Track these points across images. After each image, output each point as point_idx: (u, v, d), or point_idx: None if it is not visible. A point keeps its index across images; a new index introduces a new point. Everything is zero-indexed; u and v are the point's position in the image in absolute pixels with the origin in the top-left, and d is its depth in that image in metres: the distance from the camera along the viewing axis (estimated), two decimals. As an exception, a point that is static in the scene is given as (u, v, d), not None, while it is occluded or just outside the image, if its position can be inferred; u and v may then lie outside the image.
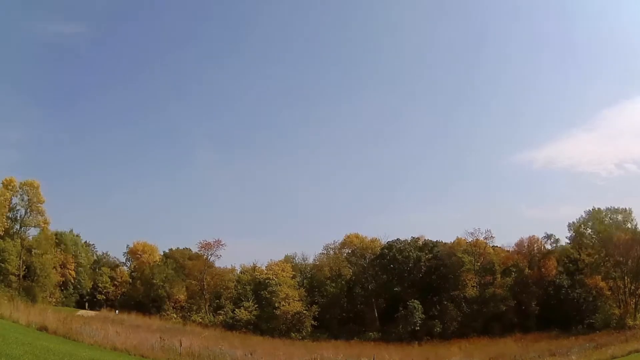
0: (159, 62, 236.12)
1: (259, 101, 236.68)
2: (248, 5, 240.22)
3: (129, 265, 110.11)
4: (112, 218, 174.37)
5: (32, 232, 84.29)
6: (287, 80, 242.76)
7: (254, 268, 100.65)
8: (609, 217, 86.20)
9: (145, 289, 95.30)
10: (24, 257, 78.53)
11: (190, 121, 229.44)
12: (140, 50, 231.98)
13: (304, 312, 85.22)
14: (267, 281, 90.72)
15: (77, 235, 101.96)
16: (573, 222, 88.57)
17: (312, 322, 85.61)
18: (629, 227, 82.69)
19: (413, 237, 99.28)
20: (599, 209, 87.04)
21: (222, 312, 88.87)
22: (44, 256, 79.77)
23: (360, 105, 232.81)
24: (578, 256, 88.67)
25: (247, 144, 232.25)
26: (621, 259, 77.14)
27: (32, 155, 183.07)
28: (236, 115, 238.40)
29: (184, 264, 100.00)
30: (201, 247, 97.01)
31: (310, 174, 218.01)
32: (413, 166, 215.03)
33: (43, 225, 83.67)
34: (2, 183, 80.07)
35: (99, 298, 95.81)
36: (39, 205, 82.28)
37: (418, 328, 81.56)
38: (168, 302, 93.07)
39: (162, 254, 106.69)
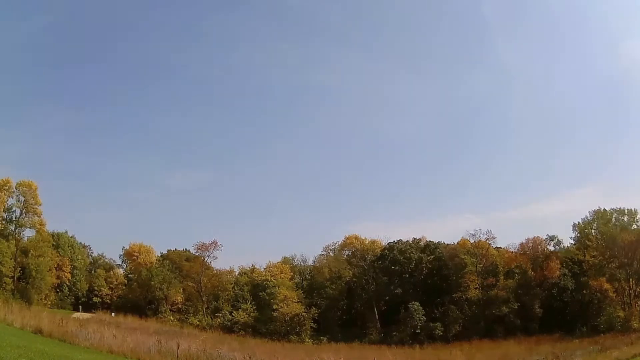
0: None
1: (257, 101, 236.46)
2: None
3: (125, 267, 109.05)
4: (108, 219, 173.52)
5: (28, 233, 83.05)
6: (286, 80, 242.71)
7: (252, 269, 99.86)
8: (615, 218, 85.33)
9: (141, 291, 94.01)
10: (19, 259, 77.19)
11: (189, 122, 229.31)
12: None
13: (303, 314, 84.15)
14: (265, 283, 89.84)
15: (72, 237, 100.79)
16: (578, 223, 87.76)
17: (312, 324, 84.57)
18: (635, 228, 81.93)
19: (414, 239, 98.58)
20: (604, 209, 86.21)
21: (220, 315, 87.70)
22: (39, 258, 78.46)
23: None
24: (582, 257, 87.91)
25: (246, 144, 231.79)
26: (626, 260, 76.63)
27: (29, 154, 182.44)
28: (236, 115, 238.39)
29: (181, 266, 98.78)
30: (198, 249, 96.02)
31: (310, 176, 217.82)
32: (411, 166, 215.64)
33: (39, 226, 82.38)
34: (-1, 184, 78.86)
35: (94, 300, 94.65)
36: (36, 206, 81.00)
37: (419, 331, 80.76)
38: (165, 304, 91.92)
39: (159, 255, 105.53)
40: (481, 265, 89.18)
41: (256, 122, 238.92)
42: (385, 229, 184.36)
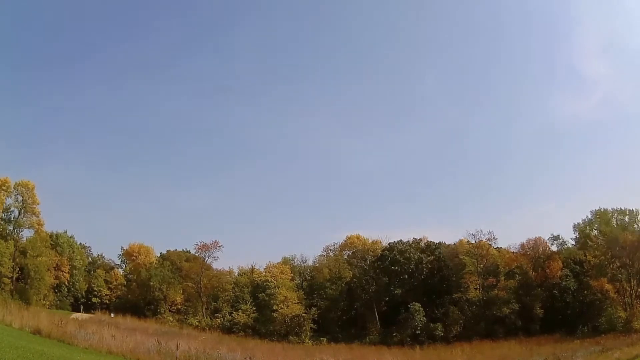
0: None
1: (256, 101, 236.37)
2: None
3: (124, 268, 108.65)
4: (107, 219, 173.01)
5: (26, 234, 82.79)
6: (288, 84, 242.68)
7: (252, 270, 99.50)
8: (616, 218, 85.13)
9: (141, 291, 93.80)
10: (17, 259, 76.94)
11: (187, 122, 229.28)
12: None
13: (303, 315, 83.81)
14: (265, 283, 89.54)
15: (71, 237, 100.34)
16: (578, 223, 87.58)
17: (312, 325, 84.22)
18: (636, 228, 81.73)
19: (415, 239, 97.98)
20: (605, 209, 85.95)
21: (220, 315, 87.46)
22: (38, 258, 78.13)
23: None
24: (584, 258, 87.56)
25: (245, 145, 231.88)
26: (627, 260, 76.42)
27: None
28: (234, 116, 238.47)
29: (181, 266, 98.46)
30: (198, 249, 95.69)
31: (310, 176, 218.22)
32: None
33: (37, 226, 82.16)
34: (-3, 184, 78.51)
35: (94, 301, 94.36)
36: (34, 206, 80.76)
37: (420, 331, 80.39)
38: (164, 305, 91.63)
39: (158, 255, 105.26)
40: (482, 266, 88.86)
41: (257, 121, 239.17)
42: (386, 232, 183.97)
